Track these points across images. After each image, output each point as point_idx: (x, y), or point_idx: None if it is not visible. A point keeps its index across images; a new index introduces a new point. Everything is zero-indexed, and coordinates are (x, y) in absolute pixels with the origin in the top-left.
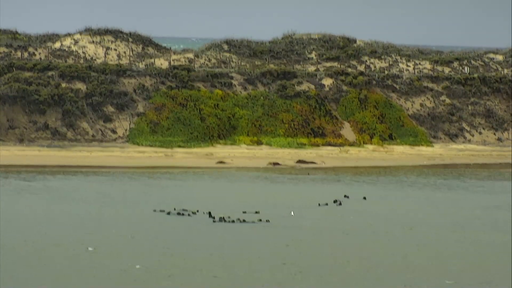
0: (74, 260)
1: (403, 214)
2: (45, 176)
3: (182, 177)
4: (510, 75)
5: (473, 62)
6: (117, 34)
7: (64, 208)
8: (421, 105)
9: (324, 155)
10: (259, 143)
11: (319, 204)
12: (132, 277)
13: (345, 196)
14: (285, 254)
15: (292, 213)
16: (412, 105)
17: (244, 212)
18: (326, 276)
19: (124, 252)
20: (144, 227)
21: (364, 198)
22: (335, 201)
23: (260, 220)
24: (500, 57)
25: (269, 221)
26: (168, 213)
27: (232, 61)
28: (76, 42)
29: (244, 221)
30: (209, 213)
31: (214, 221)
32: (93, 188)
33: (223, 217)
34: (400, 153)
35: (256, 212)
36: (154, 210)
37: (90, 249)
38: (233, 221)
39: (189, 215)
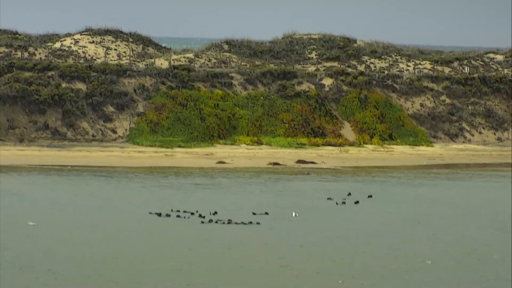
0: None
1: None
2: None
3: (185, 177)
4: (510, 75)
5: (473, 62)
6: (117, 34)
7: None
8: (421, 105)
9: (324, 155)
10: (259, 143)
11: (336, 203)
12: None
13: (349, 194)
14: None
15: (295, 215)
16: (412, 105)
17: (254, 214)
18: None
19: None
20: (127, 228)
21: (370, 196)
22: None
23: (251, 222)
24: (500, 57)
25: (259, 223)
26: (159, 215)
27: (232, 61)
28: (76, 42)
29: (234, 223)
30: (200, 215)
31: (202, 222)
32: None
33: (212, 219)
34: (400, 153)
35: (266, 213)
36: (150, 213)
37: None
38: (229, 223)
39: (184, 217)
